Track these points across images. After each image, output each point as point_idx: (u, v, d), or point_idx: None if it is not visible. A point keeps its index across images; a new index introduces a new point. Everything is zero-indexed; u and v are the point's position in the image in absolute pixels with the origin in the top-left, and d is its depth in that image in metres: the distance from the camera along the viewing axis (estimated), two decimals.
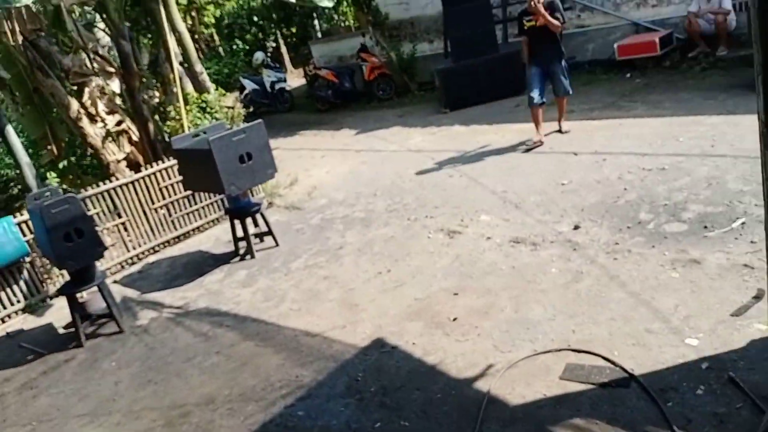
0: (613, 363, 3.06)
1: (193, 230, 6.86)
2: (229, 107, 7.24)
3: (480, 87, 9.37)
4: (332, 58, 14.19)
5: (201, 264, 5.98)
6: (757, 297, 3.29)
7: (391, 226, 5.60)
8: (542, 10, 6.49)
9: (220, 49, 22.20)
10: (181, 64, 7.25)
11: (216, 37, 22.70)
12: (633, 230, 4.38)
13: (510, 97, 9.33)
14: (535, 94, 6.76)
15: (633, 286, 3.70)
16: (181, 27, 7.12)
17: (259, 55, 14.01)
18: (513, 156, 6.71)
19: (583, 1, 9.75)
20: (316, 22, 14.71)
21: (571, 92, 6.89)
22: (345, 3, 12.93)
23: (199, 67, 7.25)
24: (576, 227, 4.63)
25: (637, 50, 8.75)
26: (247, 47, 20.60)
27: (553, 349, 3.29)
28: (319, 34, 14.98)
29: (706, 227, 4.16)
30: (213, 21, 18.77)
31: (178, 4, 8.23)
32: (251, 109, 14.24)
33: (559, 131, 7.04)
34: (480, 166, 6.62)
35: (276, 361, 3.87)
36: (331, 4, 7.51)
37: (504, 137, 7.54)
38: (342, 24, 16.30)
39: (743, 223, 4.09)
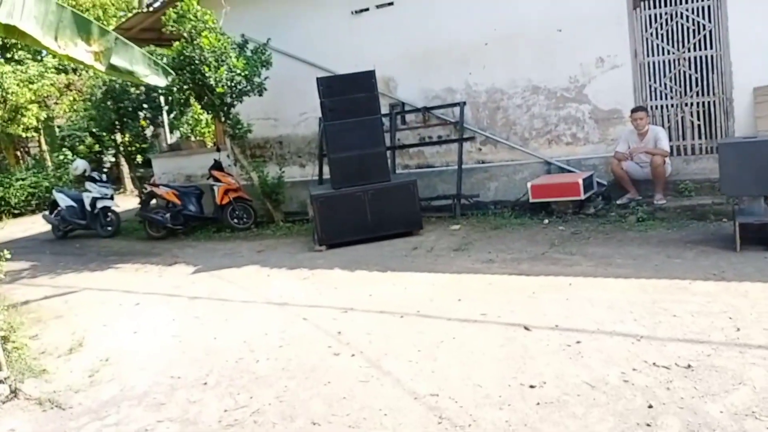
0: None
1: None
2: None
3: (366, 221, 7.26)
4: (179, 176, 11.61)
5: None
6: None
7: None
8: None
9: (47, 159, 18.75)
10: None
11: (44, 146, 19.29)
12: None
13: (404, 236, 7.30)
14: None
15: None
16: None
17: (79, 164, 11.05)
18: (431, 323, 4.42)
19: (484, 132, 8.32)
20: (162, 131, 12.20)
21: None
22: (204, 119, 10.67)
23: None
24: None
25: (555, 192, 7.23)
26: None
27: None
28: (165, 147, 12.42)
29: None
30: (34, 123, 15.58)
31: None
32: (63, 231, 11.03)
33: None
34: (381, 338, 4.22)
35: None
36: (163, 83, 5.21)
37: (406, 290, 5.30)
38: (196, 138, 13.97)
39: None
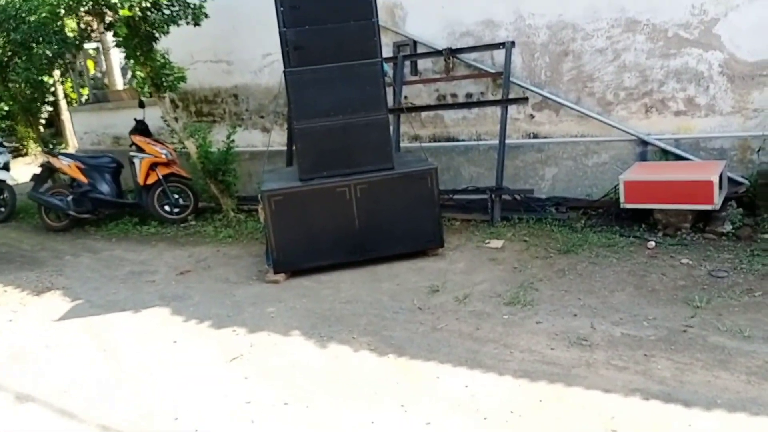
0: None
1: None
2: None
3: (353, 235, 4.41)
4: (105, 137, 8.64)
5: None
6: None
7: None
8: None
9: None
10: None
11: None
12: None
13: (414, 257, 4.48)
14: None
15: None
16: None
17: None
18: None
19: (541, 90, 5.38)
20: (81, 74, 9.09)
21: None
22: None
23: None
24: None
25: (667, 195, 4.38)
26: (5, 109, 14.11)
27: None
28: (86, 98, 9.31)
29: None
30: None
31: None
32: None
33: None
34: None
35: None
36: None
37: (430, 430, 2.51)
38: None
39: None
